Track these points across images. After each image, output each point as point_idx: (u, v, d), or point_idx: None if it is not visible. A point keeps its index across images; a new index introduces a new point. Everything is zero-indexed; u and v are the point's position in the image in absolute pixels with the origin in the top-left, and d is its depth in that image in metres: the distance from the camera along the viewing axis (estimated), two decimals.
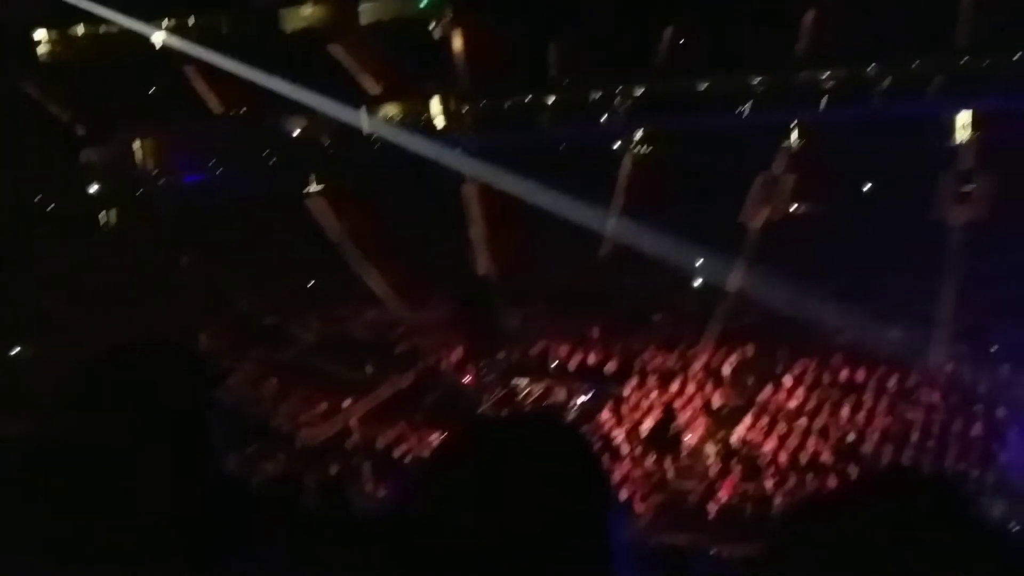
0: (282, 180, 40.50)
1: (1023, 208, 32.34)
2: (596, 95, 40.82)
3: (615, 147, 42.02)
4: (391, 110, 45.61)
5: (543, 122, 40.87)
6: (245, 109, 41.55)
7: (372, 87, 44.01)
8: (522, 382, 32.82)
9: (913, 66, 34.62)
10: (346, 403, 30.69)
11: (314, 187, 41.42)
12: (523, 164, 37.38)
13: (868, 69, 35.40)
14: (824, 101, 35.66)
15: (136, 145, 43.18)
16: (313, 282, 37.87)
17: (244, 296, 36.30)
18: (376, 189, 38.84)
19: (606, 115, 40.62)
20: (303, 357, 34.33)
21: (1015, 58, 32.42)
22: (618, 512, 1.57)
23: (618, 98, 40.00)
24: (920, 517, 1.46)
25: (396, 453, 27.72)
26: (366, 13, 47.74)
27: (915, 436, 25.81)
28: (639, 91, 39.45)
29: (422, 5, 47.57)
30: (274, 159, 42.96)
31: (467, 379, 33.42)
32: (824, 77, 36.41)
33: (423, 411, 30.61)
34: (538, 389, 32.31)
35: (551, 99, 40.97)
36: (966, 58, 33.83)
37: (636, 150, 41.55)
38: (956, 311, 31.53)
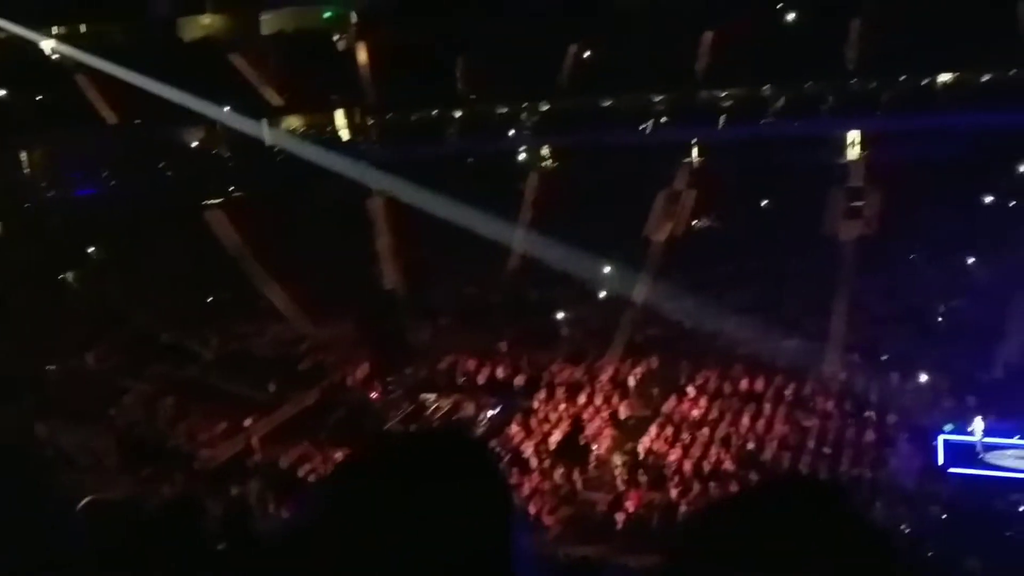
0: (179, 193, 39.24)
1: (910, 223, 34.12)
2: (502, 110, 41.06)
3: (521, 161, 42.40)
4: (294, 122, 44.88)
5: (450, 136, 40.83)
6: (140, 120, 40.15)
7: (274, 98, 43.23)
8: (430, 397, 32.57)
9: (806, 87, 36.01)
10: (247, 422, 29.80)
11: (213, 200, 40.32)
12: (430, 177, 37.28)
13: (764, 89, 36.66)
14: (723, 119, 36.71)
15: (23, 156, 41.23)
16: (212, 297, 36.72)
17: (139, 312, 34.90)
18: (278, 202, 38.08)
19: (512, 130, 40.87)
20: (202, 375, 33.22)
21: (900, 80, 34.08)
22: (523, 528, 1.52)
23: (524, 113, 40.32)
24: (808, 520, 1.50)
25: (300, 473, 27.06)
26: (268, 23, 46.94)
27: (811, 443, 26.66)
28: (545, 107, 39.86)
29: (326, 16, 47.07)
30: (171, 171, 41.64)
31: (374, 395, 32.97)
32: (722, 96, 37.52)
33: (328, 429, 30.00)
34: (446, 404, 32.11)
35: (458, 113, 40.99)
36: (855, 80, 35.41)
37: (542, 165, 42.00)
38: (848, 323, 32.79)
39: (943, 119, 33.02)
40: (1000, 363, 29.23)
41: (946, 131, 33.64)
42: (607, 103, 38.64)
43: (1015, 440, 25.36)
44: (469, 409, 31.36)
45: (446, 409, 31.86)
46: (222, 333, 35.61)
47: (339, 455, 26.34)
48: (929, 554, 21.29)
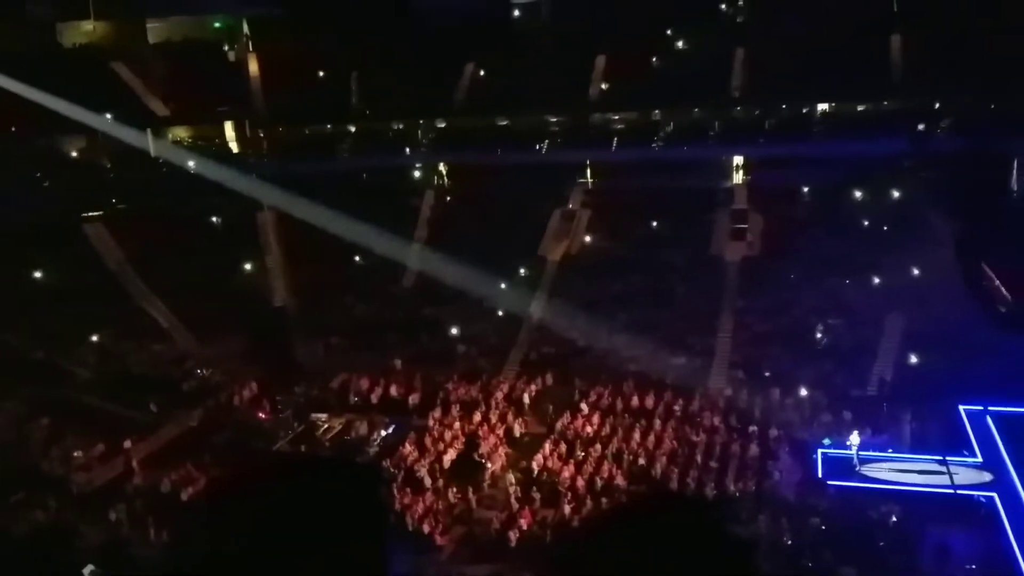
0: (57, 205, 37.36)
1: (790, 245, 35.60)
2: (398, 126, 40.86)
3: (417, 179, 42.23)
4: (180, 133, 43.49)
5: (343, 151, 40.31)
6: (16, 127, 38.13)
7: (160, 108, 41.79)
8: (321, 417, 31.88)
9: (694, 113, 37.22)
10: (127, 444, 28.48)
11: (93, 212, 38.60)
12: (322, 193, 36.71)
13: (654, 114, 37.70)
14: (615, 142, 37.53)
15: None
16: (90, 314, 34.98)
17: (10, 329, 32.94)
18: (162, 215, 36.71)
19: (408, 147, 40.68)
20: (78, 395, 31.59)
21: (782, 109, 35.64)
22: (399, 553, 1.52)
23: (420, 130, 40.23)
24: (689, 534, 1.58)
25: (182, 497, 25.96)
26: (155, 32, 45.45)
27: (699, 458, 27.32)
28: (441, 124, 39.87)
29: (216, 26, 45.90)
30: (48, 182, 39.66)
31: (262, 415, 32.03)
32: (615, 119, 38.37)
33: (213, 451, 28.97)
34: (338, 424, 31.48)
35: (352, 128, 40.53)
36: (739, 108, 36.82)
37: (437, 182, 41.96)
38: (733, 341, 33.88)
39: (821, 146, 34.62)
40: (875, 380, 30.69)
41: (824, 158, 35.33)
42: (503, 122, 38.95)
43: (888, 453, 26.61)
44: (362, 429, 30.84)
45: (338, 429, 31.24)
46: (100, 351, 34.04)
47: (220, 477, 25.52)
48: (809, 564, 22.10)
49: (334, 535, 1.46)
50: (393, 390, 32.83)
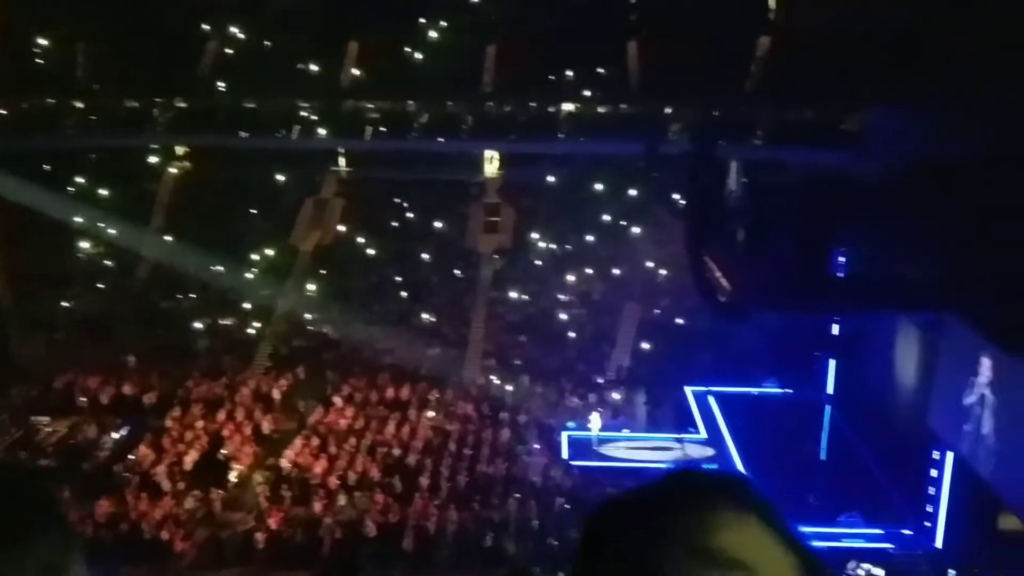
0: None
1: (539, 238, 37.02)
2: (132, 104, 37.69)
3: (153, 162, 39.29)
4: None
5: (68, 128, 36.56)
6: None
7: None
8: (43, 420, 28.82)
9: (447, 105, 37.52)
10: None
11: None
12: (44, 174, 33.20)
13: (408, 105, 37.57)
14: (369, 131, 37.02)
15: None
16: None
17: None
18: None
19: (144, 127, 37.64)
20: None
21: (532, 105, 36.81)
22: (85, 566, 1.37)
23: (157, 110, 37.36)
24: None
25: None
26: None
27: (453, 446, 27.70)
28: (181, 104, 37.27)
29: None
30: None
31: None
32: (369, 108, 37.83)
33: None
34: (63, 427, 28.60)
35: (79, 104, 36.83)
36: (490, 103, 37.59)
37: (177, 166, 39.28)
38: (485, 331, 34.72)
39: (566, 144, 36.23)
40: (613, 366, 32.68)
41: (569, 156, 37.03)
42: (250, 105, 37.13)
43: (623, 433, 28.43)
44: (90, 432, 28.24)
45: (63, 433, 28.40)
46: None
47: None
48: (555, 543, 23.09)
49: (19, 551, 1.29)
50: (127, 389, 30.38)
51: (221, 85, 37.32)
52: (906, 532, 22.14)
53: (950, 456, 20.90)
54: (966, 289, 18.48)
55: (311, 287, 35.99)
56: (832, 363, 28.66)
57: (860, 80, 27.32)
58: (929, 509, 21.88)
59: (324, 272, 36.57)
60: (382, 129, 36.67)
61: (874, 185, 23.98)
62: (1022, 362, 16.66)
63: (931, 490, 21.83)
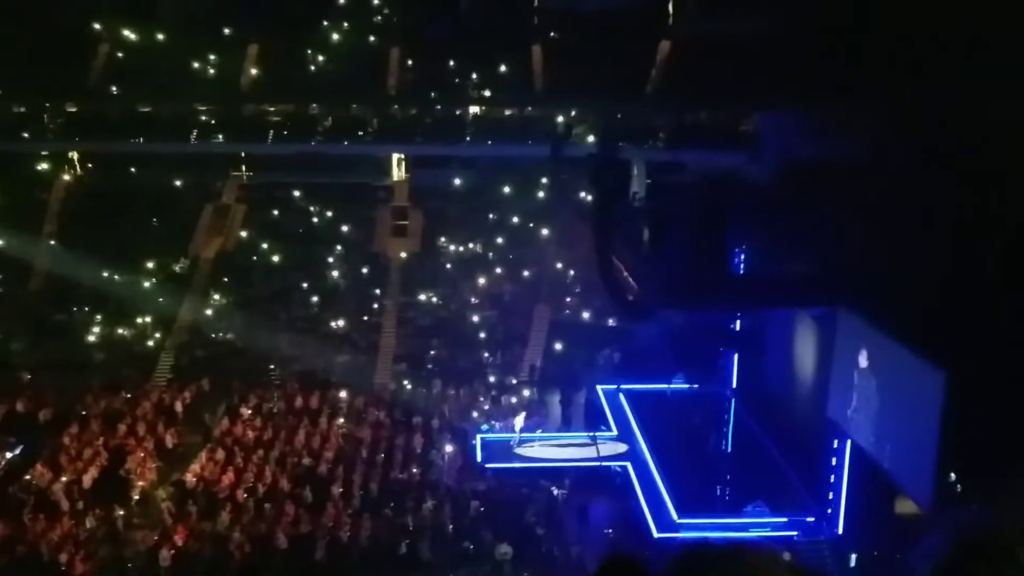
0: None
1: (446, 241, 36.93)
2: (20, 110, 36.08)
3: (44, 168, 37.65)
4: None
5: None
6: None
7: None
8: None
9: (351, 108, 37.12)
10: None
11: None
12: None
13: (311, 107, 37.01)
14: (271, 135, 36.31)
15: None
16: None
17: None
18: None
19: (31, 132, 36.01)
20: None
21: (437, 109, 36.73)
22: None
23: (47, 115, 35.85)
24: None
25: None
26: None
27: (364, 453, 27.39)
28: (72, 108, 35.83)
29: None
30: None
31: None
32: (270, 111, 37.12)
33: None
34: None
35: None
36: (395, 106, 37.36)
37: (69, 172, 37.73)
38: (396, 336, 34.44)
39: (473, 147, 36.29)
40: (526, 367, 32.86)
41: (476, 158, 37.10)
42: (145, 109, 35.97)
43: (540, 434, 28.58)
44: None
45: None
46: None
47: None
48: (470, 546, 23.10)
49: None
50: (20, 406, 29.02)
51: (114, 89, 36.04)
52: (809, 520, 22.90)
53: (848, 444, 21.72)
54: (854, 282, 19.29)
55: (214, 295, 35.07)
56: (735, 358, 29.45)
57: (753, 84, 28.20)
58: (830, 497, 22.71)
59: (227, 280, 35.68)
60: (284, 133, 36.02)
61: (769, 185, 24.82)
62: (907, 350, 17.45)
63: (831, 478, 22.65)
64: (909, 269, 16.65)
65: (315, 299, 35.13)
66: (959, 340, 15.20)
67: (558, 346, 33.35)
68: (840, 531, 22.39)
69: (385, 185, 38.79)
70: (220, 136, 36.04)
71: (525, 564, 22.50)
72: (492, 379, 32.26)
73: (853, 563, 21.36)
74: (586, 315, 34.29)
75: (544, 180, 36.67)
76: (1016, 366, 13.97)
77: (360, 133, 36.41)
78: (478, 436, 28.00)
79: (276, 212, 37.57)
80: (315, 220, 37.57)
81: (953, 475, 17.11)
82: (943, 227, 16.00)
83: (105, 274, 33.91)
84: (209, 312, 34.29)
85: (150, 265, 35.06)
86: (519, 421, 28.06)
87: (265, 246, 36.46)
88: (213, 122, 36.10)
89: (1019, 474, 13.39)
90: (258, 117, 36.78)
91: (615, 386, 30.30)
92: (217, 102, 36.15)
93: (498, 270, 36.08)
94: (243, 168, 38.28)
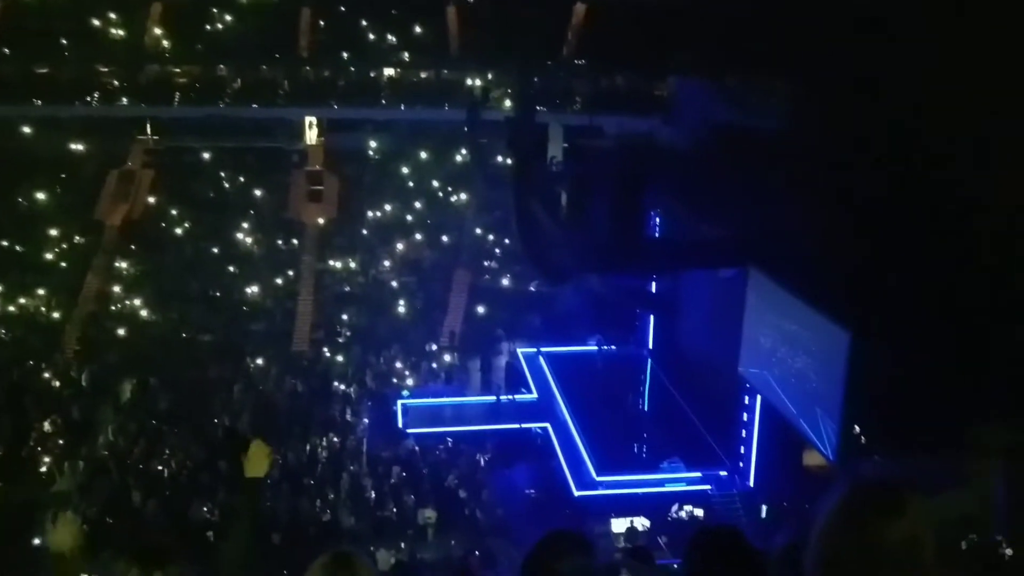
0: None
1: (363, 207, 36.40)
2: None
3: None
4: None
5: None
6: None
7: None
8: None
9: (261, 70, 36.05)
10: None
11: None
12: None
13: (219, 69, 35.82)
14: (177, 97, 35.03)
15: None
16: None
17: None
18: None
19: None
20: None
21: (351, 71, 35.94)
22: None
23: None
24: None
25: None
26: None
27: (283, 421, 27.03)
28: None
29: None
30: None
31: None
32: (176, 73, 35.79)
33: None
34: None
35: None
36: (307, 68, 36.42)
37: None
38: (315, 303, 33.92)
39: (388, 111, 35.73)
40: (446, 332, 32.82)
41: (393, 122, 36.57)
42: (43, 71, 34.24)
43: (463, 399, 28.71)
44: None
45: None
46: None
47: None
48: (393, 510, 23.12)
49: None
50: None
51: (7, 51, 34.20)
52: (722, 474, 23.67)
53: (759, 401, 22.46)
54: (765, 245, 19.82)
55: (121, 264, 33.89)
56: (651, 320, 30.02)
57: (669, 49, 28.45)
58: (742, 451, 23.49)
59: (135, 248, 34.50)
60: (191, 95, 34.81)
61: (685, 150, 25.18)
62: (815, 312, 18.07)
63: (743, 434, 23.42)
64: (817, 234, 17.17)
65: (227, 267, 34.27)
66: (863, 302, 15.82)
67: (478, 311, 33.40)
68: (752, 484, 23.23)
69: (299, 149, 37.95)
70: (123, 99, 34.64)
71: (449, 528, 22.66)
72: (412, 345, 32.12)
73: (764, 514, 22.20)
74: (506, 280, 34.39)
75: (462, 145, 36.41)
76: (915, 327, 14.62)
77: (271, 96, 35.43)
78: (399, 402, 27.94)
79: (185, 178, 36.37)
80: (226, 186, 36.55)
81: (857, 428, 17.88)
82: (851, 194, 16.53)
83: (5, 243, 32.44)
84: (116, 282, 33.15)
85: (53, 233, 33.63)
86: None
87: (174, 213, 35.31)
88: (116, 83, 34.63)
89: (918, 427, 14.09)
90: (163, 79, 35.43)
91: (535, 350, 30.57)
92: (119, 63, 34.67)
93: (417, 236, 35.80)
94: (149, 132, 36.89)
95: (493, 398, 28.09)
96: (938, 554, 1.93)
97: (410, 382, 29.88)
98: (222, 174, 36.57)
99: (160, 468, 24.42)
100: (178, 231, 34.98)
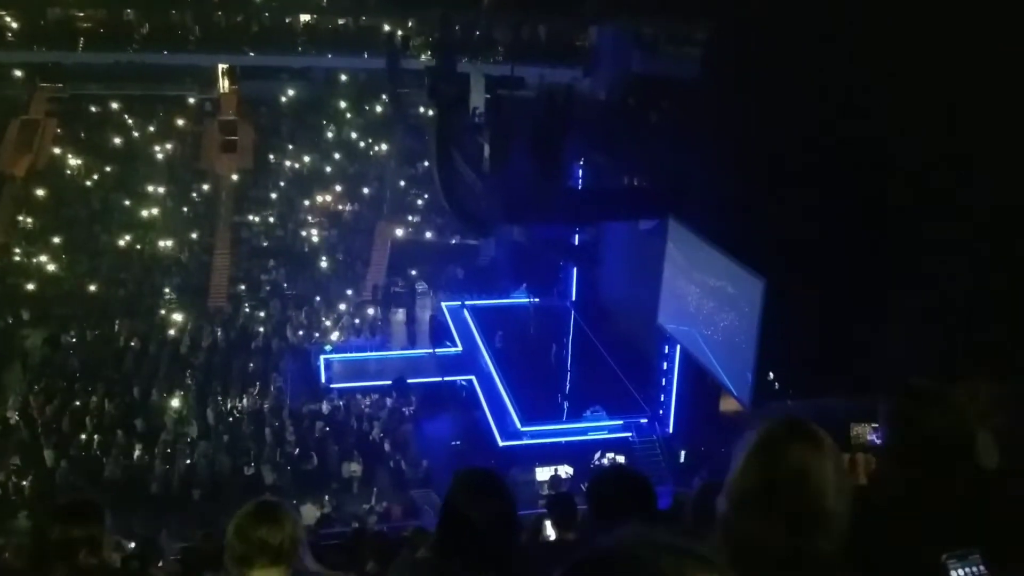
0: None
1: (282, 157, 35.50)
2: None
3: None
4: None
5: None
6: None
7: None
8: None
9: (171, 15, 34.63)
10: None
11: None
12: None
13: (126, 13, 34.26)
14: (82, 42, 33.42)
15: None
16: None
17: None
18: None
19: None
20: None
21: (266, 15, 34.81)
22: None
23: None
24: None
25: None
26: None
27: (196, 377, 26.45)
28: None
29: None
30: None
31: None
32: (80, 17, 34.09)
33: None
34: None
35: None
36: (219, 13, 35.12)
37: None
38: (232, 256, 33.09)
39: (305, 58, 34.79)
40: (368, 285, 32.46)
41: (310, 70, 35.63)
42: None
43: (385, 353, 28.56)
44: None
45: None
46: None
47: None
48: (317, 465, 22.96)
49: None
50: None
51: None
52: (643, 421, 24.15)
53: (677, 349, 22.88)
54: (683, 195, 20.05)
55: (24, 217, 32.43)
56: (574, 271, 30.19)
57: None
58: (662, 399, 23.98)
59: (39, 199, 33.04)
60: (97, 41, 33.24)
61: (605, 100, 25.15)
62: (730, 260, 18.41)
63: (663, 382, 23.89)
64: (734, 184, 17.41)
65: (138, 219, 33.13)
66: (779, 251, 16.14)
67: (401, 264, 33.09)
68: (671, 430, 23.78)
69: (211, 98, 36.71)
70: (25, 43, 32.92)
71: (374, 480, 22.64)
72: (334, 298, 31.72)
73: (683, 459, 22.78)
74: (428, 232, 34.11)
75: (382, 94, 35.73)
76: (826, 275, 15.01)
77: (181, 41, 34.08)
78: (321, 357, 27.61)
79: (91, 127, 34.88)
80: (135, 135, 35.19)
81: (771, 374, 18.38)
82: (767, 143, 16.74)
83: None
84: (19, 236, 31.75)
85: None
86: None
87: (80, 163, 33.87)
88: (16, 27, 32.84)
89: (827, 371, 14.55)
90: (67, 23, 33.70)
91: (459, 302, 30.50)
92: (19, 6, 32.84)
93: (337, 187, 35.16)
94: (52, 79, 35.14)
95: (418, 351, 27.97)
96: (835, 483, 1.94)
97: (333, 337, 29.51)
98: (130, 123, 35.19)
99: (73, 427, 23.68)
100: (87, 183, 33.61)
